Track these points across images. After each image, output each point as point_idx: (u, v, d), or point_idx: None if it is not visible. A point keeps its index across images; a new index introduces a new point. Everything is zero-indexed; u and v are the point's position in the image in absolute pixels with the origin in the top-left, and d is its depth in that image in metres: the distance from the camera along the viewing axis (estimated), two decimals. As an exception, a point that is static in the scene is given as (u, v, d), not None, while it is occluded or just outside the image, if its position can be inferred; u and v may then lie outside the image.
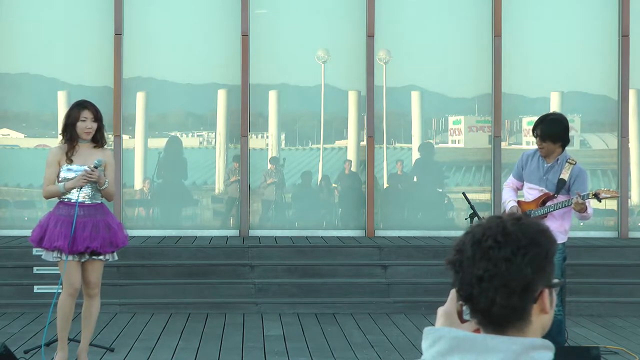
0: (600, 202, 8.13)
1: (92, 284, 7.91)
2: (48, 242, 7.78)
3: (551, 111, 8.55)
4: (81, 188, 7.78)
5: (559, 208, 8.02)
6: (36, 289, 11.21)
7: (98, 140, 7.88)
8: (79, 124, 7.78)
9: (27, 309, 10.98)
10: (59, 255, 7.76)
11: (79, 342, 8.27)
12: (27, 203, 13.99)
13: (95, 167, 7.73)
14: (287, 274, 11.76)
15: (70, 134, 7.81)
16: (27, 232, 12.99)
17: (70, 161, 7.79)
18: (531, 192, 8.23)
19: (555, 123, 8.02)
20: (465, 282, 2.19)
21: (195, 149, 14.33)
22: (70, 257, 7.75)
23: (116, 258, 8.08)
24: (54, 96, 13.84)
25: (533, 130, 8.12)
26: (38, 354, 8.61)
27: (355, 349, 9.17)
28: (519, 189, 8.40)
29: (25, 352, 8.64)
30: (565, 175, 8.03)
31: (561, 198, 8.08)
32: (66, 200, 7.82)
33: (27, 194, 13.98)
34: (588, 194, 7.94)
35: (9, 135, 14.13)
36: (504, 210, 8.26)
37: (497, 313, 2.17)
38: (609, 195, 8.09)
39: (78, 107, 7.85)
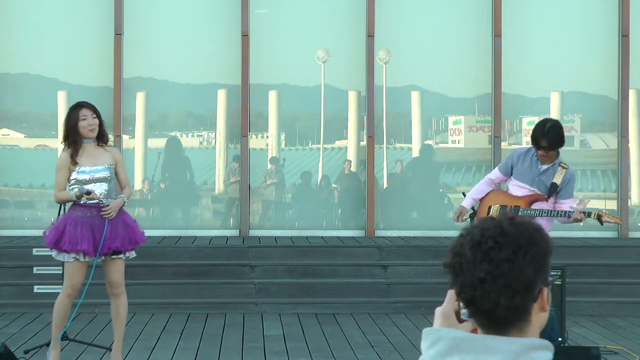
0: (602, 225, 8.19)
1: (115, 283, 7.88)
2: (69, 245, 7.63)
3: (543, 118, 8.43)
4: (102, 191, 7.74)
5: (555, 216, 8.02)
6: (36, 289, 11.21)
7: (102, 136, 7.82)
8: (81, 123, 7.71)
9: (27, 309, 10.98)
10: (76, 257, 7.67)
11: (78, 342, 8.26)
12: (27, 203, 13.99)
13: (88, 194, 7.66)
14: (287, 274, 11.76)
15: (73, 137, 7.74)
16: (27, 232, 13.10)
17: (75, 163, 7.71)
18: (520, 190, 8.21)
19: (557, 130, 7.92)
20: (467, 285, 2.17)
21: (195, 149, 14.33)
22: (87, 258, 7.70)
23: (134, 255, 8.06)
24: (54, 96, 13.84)
25: (537, 144, 7.94)
26: (38, 354, 8.61)
27: (355, 349, 9.17)
28: (500, 183, 8.38)
29: (25, 352, 8.63)
30: (558, 180, 8.03)
31: (551, 201, 8.10)
32: (82, 202, 7.74)
33: (27, 194, 13.98)
34: (590, 214, 7.98)
35: (9, 135, 14.12)
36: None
37: (501, 314, 2.16)
38: (611, 221, 8.13)
39: (75, 108, 7.81)
